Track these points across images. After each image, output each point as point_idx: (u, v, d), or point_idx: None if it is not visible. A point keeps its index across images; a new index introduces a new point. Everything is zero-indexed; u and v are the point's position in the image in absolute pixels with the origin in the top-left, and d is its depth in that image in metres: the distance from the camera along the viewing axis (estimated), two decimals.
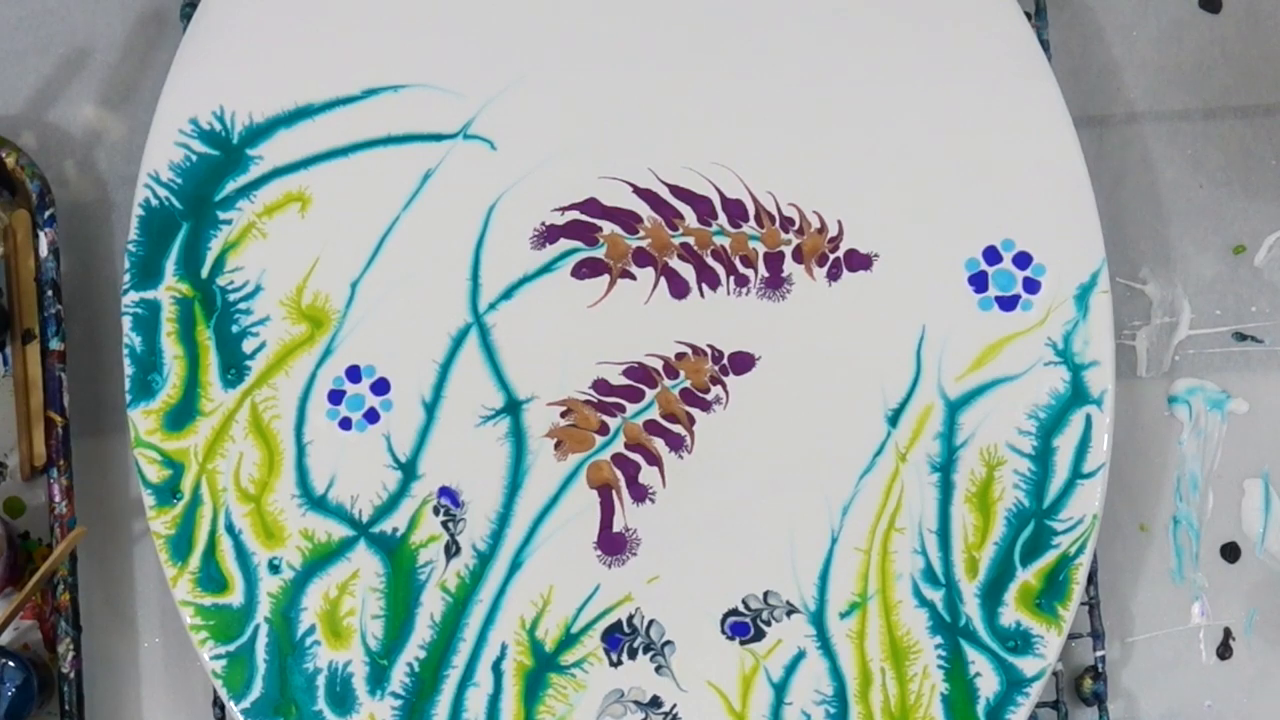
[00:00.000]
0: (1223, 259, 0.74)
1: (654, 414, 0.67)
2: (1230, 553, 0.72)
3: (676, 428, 0.67)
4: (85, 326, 0.72)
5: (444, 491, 0.66)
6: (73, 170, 0.73)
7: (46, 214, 0.69)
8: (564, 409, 0.67)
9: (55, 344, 0.68)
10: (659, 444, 0.66)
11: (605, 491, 0.66)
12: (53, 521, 0.67)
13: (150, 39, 0.73)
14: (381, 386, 0.67)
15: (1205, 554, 0.72)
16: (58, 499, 0.67)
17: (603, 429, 0.66)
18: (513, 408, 0.67)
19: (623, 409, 0.67)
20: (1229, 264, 0.74)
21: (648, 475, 0.66)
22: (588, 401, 0.67)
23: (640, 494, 0.66)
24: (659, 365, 0.67)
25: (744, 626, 0.66)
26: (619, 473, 0.66)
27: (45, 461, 0.68)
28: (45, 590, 0.68)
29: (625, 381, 0.67)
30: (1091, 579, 0.68)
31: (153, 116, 0.68)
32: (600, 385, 0.67)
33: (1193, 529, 0.72)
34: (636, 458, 0.66)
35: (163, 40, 0.73)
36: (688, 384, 0.67)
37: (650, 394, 0.67)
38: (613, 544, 0.66)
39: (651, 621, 0.66)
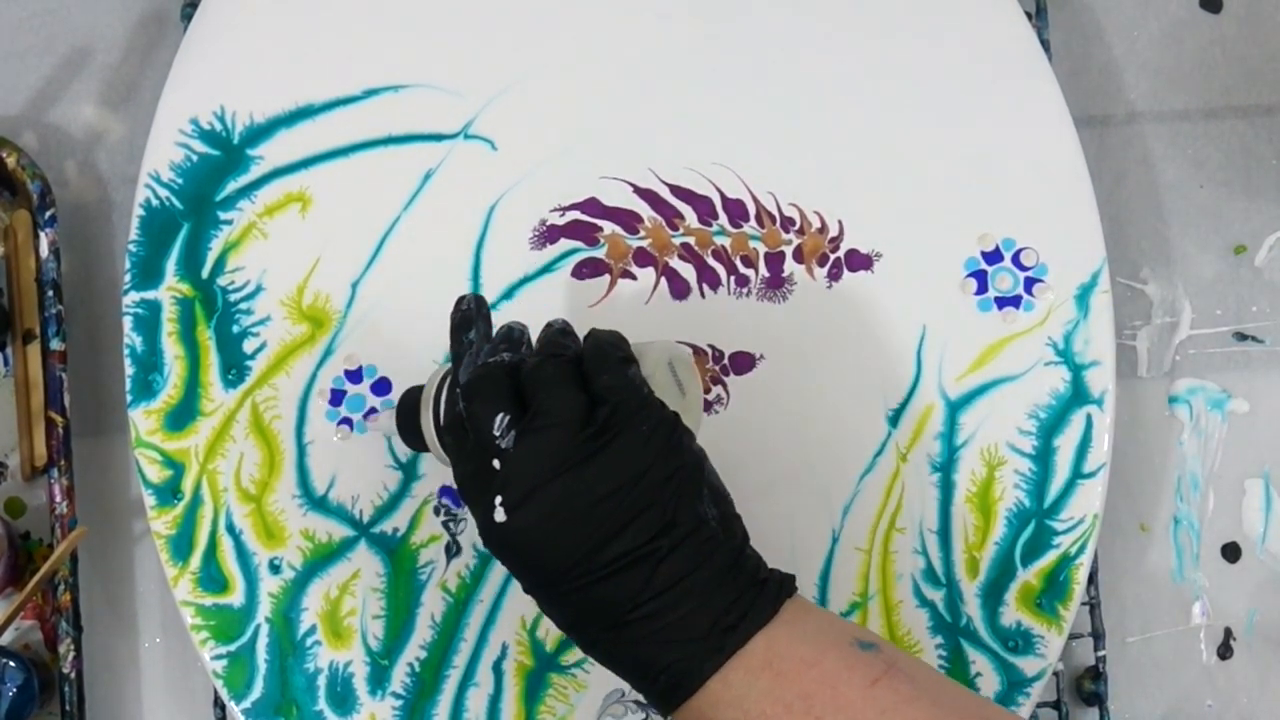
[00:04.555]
0: (1223, 259, 0.74)
1: None
2: (1231, 553, 0.72)
3: None
4: (86, 327, 0.71)
5: (445, 491, 0.66)
6: (73, 170, 0.73)
7: (47, 214, 0.69)
8: None
9: (56, 344, 0.68)
10: None
11: None
12: (53, 522, 0.67)
13: (151, 39, 0.73)
14: (382, 387, 0.67)
15: (1206, 554, 0.72)
16: (58, 499, 0.67)
17: None
18: None
19: None
20: (1230, 264, 0.74)
21: None
22: None
23: None
24: None
25: None
26: None
27: (46, 462, 0.68)
28: (46, 590, 0.67)
29: None
30: (1092, 579, 0.68)
31: (153, 116, 0.67)
32: None
33: (1193, 529, 0.72)
34: None
35: (163, 40, 0.73)
36: None
37: None
38: None
39: None
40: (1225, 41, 0.74)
